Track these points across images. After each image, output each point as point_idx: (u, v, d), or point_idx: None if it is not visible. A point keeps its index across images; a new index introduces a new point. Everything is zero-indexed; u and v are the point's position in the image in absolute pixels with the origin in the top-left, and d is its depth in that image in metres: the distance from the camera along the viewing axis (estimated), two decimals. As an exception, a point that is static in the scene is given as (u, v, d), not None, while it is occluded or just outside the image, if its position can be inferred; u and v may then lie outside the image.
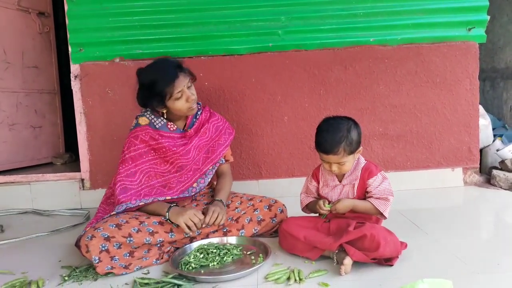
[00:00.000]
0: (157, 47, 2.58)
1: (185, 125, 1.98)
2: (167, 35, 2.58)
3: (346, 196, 1.68)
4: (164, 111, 1.88)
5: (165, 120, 1.92)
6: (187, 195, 1.91)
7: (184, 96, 1.82)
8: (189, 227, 1.71)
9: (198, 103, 2.04)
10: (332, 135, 1.56)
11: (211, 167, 1.99)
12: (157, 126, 1.90)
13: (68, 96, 2.88)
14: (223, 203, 1.87)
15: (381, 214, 1.62)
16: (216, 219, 1.76)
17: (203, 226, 1.75)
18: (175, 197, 1.86)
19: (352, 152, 1.59)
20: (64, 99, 3.46)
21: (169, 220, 1.74)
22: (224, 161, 2.07)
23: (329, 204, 1.64)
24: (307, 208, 1.79)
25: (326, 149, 1.57)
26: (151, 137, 1.88)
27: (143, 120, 1.92)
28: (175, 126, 1.93)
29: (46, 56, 3.25)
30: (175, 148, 1.90)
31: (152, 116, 1.92)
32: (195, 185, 1.95)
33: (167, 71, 1.80)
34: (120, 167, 1.85)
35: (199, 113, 2.01)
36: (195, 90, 1.90)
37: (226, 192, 1.97)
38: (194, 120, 1.99)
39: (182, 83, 1.81)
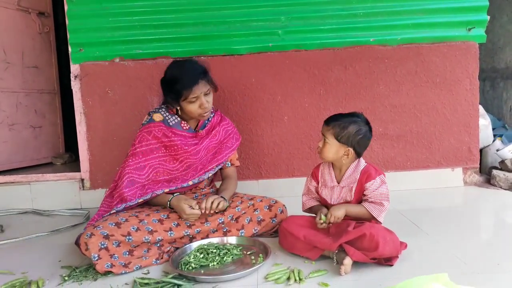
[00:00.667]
0: (157, 47, 2.58)
1: (197, 126, 2.02)
2: (167, 35, 2.58)
3: (344, 199, 1.67)
4: (178, 108, 1.92)
5: (178, 119, 1.96)
6: (185, 185, 1.94)
7: (198, 101, 1.86)
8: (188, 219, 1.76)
9: None
10: (340, 114, 1.66)
11: (215, 166, 2.02)
12: (170, 124, 1.94)
13: (68, 96, 2.88)
14: (225, 200, 1.87)
15: (375, 219, 1.61)
16: (212, 204, 1.77)
17: (202, 211, 1.76)
18: (173, 188, 1.88)
19: (338, 137, 1.60)
20: (64, 99, 3.46)
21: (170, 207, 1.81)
22: (230, 165, 2.09)
23: (324, 216, 1.62)
24: (311, 211, 1.79)
25: (328, 118, 1.66)
26: (164, 134, 1.91)
27: (157, 117, 1.94)
28: (188, 126, 1.97)
29: (46, 56, 3.25)
30: (186, 147, 1.93)
31: (167, 113, 1.96)
32: (196, 180, 1.98)
33: (190, 75, 1.84)
34: (130, 160, 1.88)
35: (211, 116, 2.05)
36: (212, 99, 1.92)
37: (230, 192, 1.98)
38: (206, 122, 2.03)
39: (200, 90, 1.85)
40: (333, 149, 1.62)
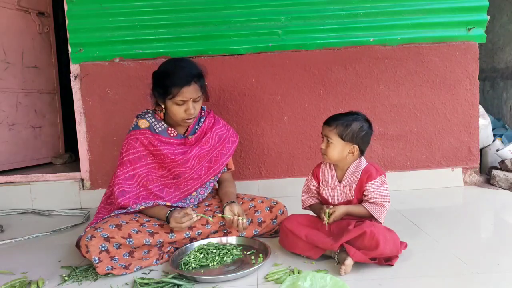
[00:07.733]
0: (157, 47, 2.58)
1: (186, 131, 1.93)
2: (167, 35, 2.58)
3: (345, 198, 1.67)
4: (163, 106, 1.83)
5: (165, 125, 1.88)
6: (185, 204, 1.89)
7: (184, 106, 1.77)
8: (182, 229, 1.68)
9: (202, 108, 1.99)
10: (339, 114, 1.66)
11: (212, 178, 1.97)
12: (157, 131, 1.87)
13: (68, 96, 2.88)
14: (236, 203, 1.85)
15: (376, 219, 1.61)
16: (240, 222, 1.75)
17: (240, 220, 1.73)
18: (174, 204, 1.84)
19: (342, 136, 1.60)
20: (64, 99, 3.46)
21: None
22: (226, 170, 2.04)
23: (328, 216, 1.62)
24: (311, 208, 1.79)
25: (327, 119, 1.65)
26: (150, 142, 1.85)
27: (143, 123, 1.87)
28: (176, 132, 1.89)
29: (46, 56, 3.25)
30: (173, 157, 1.86)
31: (153, 119, 1.88)
32: (194, 194, 1.94)
33: (183, 74, 1.74)
34: (119, 170, 1.83)
35: (202, 120, 1.97)
36: (200, 106, 1.84)
37: (235, 194, 1.95)
38: (197, 127, 1.94)
39: (190, 94, 1.75)
40: (338, 148, 1.62)
